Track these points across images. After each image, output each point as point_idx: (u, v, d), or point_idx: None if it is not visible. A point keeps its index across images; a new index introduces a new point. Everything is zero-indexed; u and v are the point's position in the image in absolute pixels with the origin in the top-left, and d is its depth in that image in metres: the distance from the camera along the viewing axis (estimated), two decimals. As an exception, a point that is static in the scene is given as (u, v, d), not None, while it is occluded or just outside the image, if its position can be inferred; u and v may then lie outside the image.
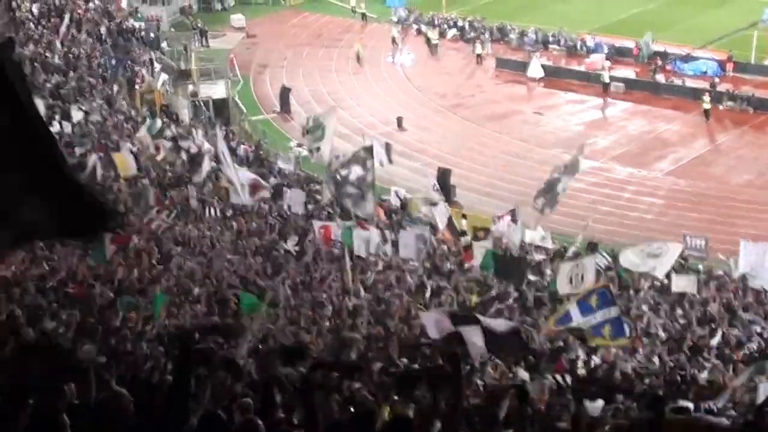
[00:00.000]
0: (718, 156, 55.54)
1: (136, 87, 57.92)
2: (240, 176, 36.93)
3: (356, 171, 38.27)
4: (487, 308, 26.91)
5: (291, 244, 33.22)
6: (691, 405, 17.52)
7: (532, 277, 32.60)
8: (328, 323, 23.53)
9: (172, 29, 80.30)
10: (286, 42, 78.90)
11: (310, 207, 40.45)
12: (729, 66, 66.49)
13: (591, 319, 22.10)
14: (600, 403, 16.96)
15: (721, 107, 60.94)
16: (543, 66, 68.75)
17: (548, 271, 34.12)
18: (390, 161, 46.97)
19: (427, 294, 28.71)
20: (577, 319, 22.05)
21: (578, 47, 73.01)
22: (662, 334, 25.82)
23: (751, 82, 64.74)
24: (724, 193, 49.94)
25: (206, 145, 45.05)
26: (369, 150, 36.51)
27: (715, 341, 25.03)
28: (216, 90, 63.09)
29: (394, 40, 76.94)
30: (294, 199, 39.86)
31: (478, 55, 72.99)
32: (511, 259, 33.53)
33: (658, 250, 34.28)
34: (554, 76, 68.57)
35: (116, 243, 26.30)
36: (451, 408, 9.81)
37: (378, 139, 46.66)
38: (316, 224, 35.15)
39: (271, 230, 35.15)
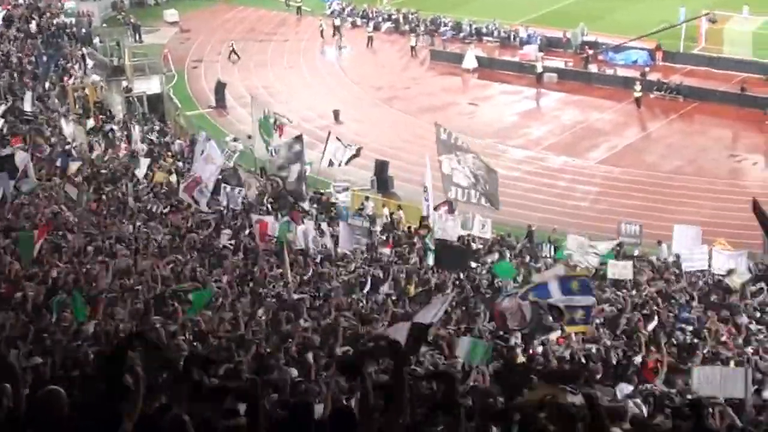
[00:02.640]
0: (650, 144, 56.21)
1: (69, 84, 57.48)
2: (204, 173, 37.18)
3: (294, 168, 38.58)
4: (427, 298, 27.13)
5: (225, 239, 33.15)
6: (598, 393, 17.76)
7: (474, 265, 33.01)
8: (266, 317, 23.54)
9: (104, 25, 79.66)
10: (220, 36, 78.61)
11: (246, 202, 40.39)
12: (659, 55, 67.25)
13: (569, 300, 22.51)
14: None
15: (651, 96, 61.65)
16: (477, 57, 69.11)
17: (488, 260, 34.44)
18: (346, 163, 47.24)
19: (367, 287, 28.80)
20: (557, 297, 22.40)
21: (512, 38, 73.45)
22: (599, 320, 26.12)
23: (680, 70, 65.55)
24: (656, 179, 50.55)
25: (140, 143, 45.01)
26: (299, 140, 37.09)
27: (651, 326, 25.35)
28: (150, 85, 62.71)
29: (322, 33, 77.01)
30: (234, 194, 39.79)
31: (413, 48, 73.19)
32: (451, 248, 33.77)
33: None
34: (488, 68, 69.00)
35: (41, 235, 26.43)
36: (394, 400, 9.91)
37: (341, 143, 46.87)
38: (254, 218, 35.14)
39: (207, 226, 35.05)
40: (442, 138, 41.46)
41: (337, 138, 47.35)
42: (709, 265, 34.19)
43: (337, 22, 78.91)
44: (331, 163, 47.01)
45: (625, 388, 18.04)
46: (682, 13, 69.13)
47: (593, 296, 23.58)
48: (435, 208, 41.44)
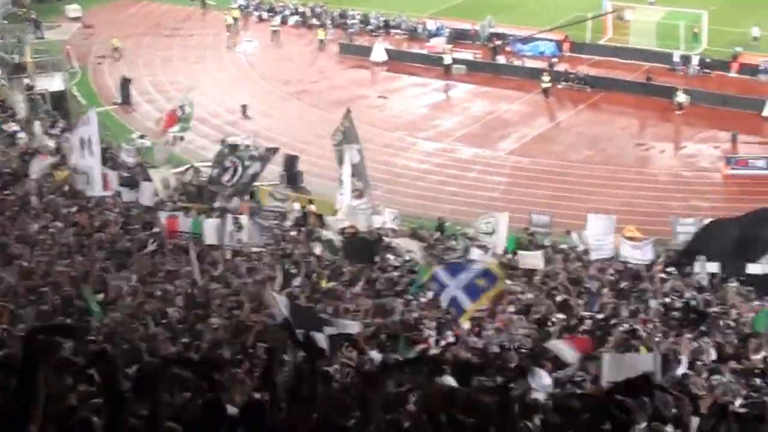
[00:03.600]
0: (559, 133, 56.74)
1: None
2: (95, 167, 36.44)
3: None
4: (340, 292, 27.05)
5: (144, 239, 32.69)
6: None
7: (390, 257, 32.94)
8: (177, 315, 23.21)
9: (5, 21, 78.10)
10: (125, 32, 77.46)
11: (156, 199, 39.87)
12: (566, 46, 67.94)
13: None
14: (449, 379, 17.10)
15: (559, 86, 62.22)
16: (386, 50, 69.15)
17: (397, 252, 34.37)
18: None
19: (278, 281, 28.56)
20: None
21: (420, 31, 73.59)
22: (511, 308, 26.22)
23: (587, 61, 66.31)
24: (565, 169, 51.05)
25: (45, 140, 44.17)
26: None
27: (562, 315, 25.49)
28: (53, 83, 61.49)
29: (229, 28, 76.52)
30: (143, 191, 39.25)
31: (321, 41, 72.97)
32: (359, 241, 33.66)
33: (488, 226, 35.10)
34: (397, 60, 69.07)
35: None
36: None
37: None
38: (162, 216, 34.66)
39: (115, 224, 34.50)
40: (346, 126, 41.27)
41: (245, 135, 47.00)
42: (617, 254, 34.54)
43: (235, 14, 78.29)
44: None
45: (538, 376, 18.06)
46: (605, 4, 69.69)
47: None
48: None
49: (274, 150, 41.36)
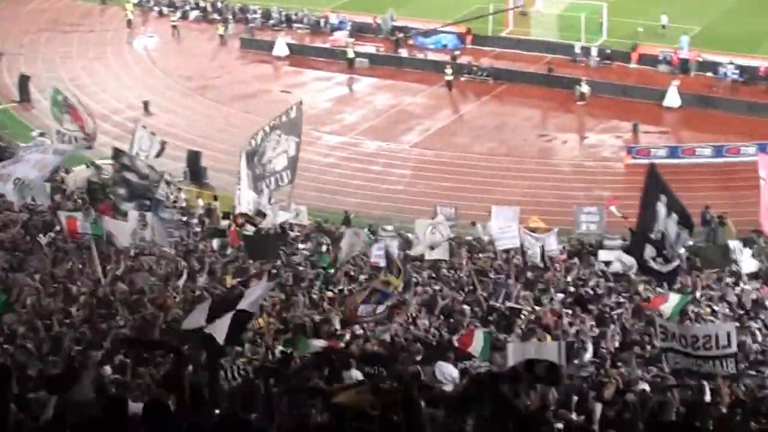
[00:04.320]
0: (462, 126, 57.05)
1: None
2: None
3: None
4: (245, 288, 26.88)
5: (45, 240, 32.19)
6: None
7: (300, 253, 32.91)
8: (80, 314, 22.92)
9: None
10: (22, 28, 76.11)
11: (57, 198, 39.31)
12: (468, 39, 68.21)
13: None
14: (356, 373, 17.09)
15: (462, 79, 62.53)
16: (288, 44, 68.88)
17: (302, 246, 34.36)
18: (157, 155, 46.29)
19: (183, 279, 28.33)
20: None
21: (322, 25, 73.39)
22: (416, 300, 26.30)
23: (489, 53, 66.66)
24: (469, 161, 51.39)
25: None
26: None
27: (465, 307, 25.62)
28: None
29: (129, 23, 75.67)
30: (37, 191, 38.52)
31: (221, 36, 72.46)
32: (261, 238, 33.51)
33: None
34: (300, 55, 68.80)
35: None
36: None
37: (151, 134, 45.86)
38: (62, 215, 34.14)
39: (15, 224, 33.94)
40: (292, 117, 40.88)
41: (143, 126, 46.35)
42: (521, 244, 34.80)
43: (129, 7, 77.29)
44: (137, 155, 46.08)
45: (444, 368, 18.11)
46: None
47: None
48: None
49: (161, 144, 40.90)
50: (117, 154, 36.62)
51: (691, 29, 65.74)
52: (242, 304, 17.69)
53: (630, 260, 30.37)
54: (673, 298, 25.04)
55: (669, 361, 17.36)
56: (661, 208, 24.39)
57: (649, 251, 27.31)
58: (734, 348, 17.35)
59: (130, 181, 37.00)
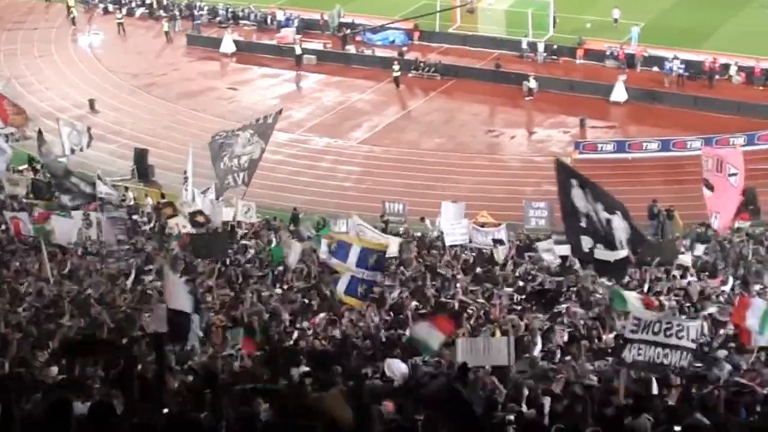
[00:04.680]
0: (410, 122, 57.10)
1: None
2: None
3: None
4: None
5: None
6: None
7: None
8: (27, 314, 22.77)
9: None
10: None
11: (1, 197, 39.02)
12: (416, 35, 68.29)
13: (358, 272, 22.88)
14: (303, 369, 17.09)
15: (410, 75, 62.58)
16: (235, 41, 68.65)
17: (251, 243, 34.25)
18: (88, 146, 45.96)
19: (131, 278, 28.19)
20: (350, 261, 23.29)
21: (269, 21, 73.16)
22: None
23: (437, 49, 66.75)
24: (417, 157, 51.48)
25: None
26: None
27: (414, 303, 25.65)
28: None
29: (74, 21, 75.05)
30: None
31: (167, 33, 72.07)
32: (209, 236, 33.37)
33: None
34: (247, 51, 68.59)
35: None
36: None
37: (74, 124, 45.48)
38: (7, 215, 33.93)
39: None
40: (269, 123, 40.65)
41: (68, 121, 46.06)
42: (470, 240, 34.90)
43: (71, 2, 76.55)
44: (72, 151, 45.80)
45: (393, 364, 18.12)
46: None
47: (382, 273, 24.22)
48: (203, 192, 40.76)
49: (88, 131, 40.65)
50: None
51: (625, 25, 66.30)
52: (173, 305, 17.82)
53: (561, 250, 30.65)
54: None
55: (632, 352, 17.37)
56: (578, 196, 24.55)
57: (587, 242, 27.62)
58: (696, 346, 17.52)
59: (65, 185, 36.94)
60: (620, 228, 25.94)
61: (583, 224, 25.12)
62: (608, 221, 24.81)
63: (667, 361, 16.94)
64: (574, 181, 24.71)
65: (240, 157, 38.33)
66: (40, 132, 44.17)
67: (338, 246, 24.86)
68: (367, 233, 32.41)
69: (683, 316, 22.39)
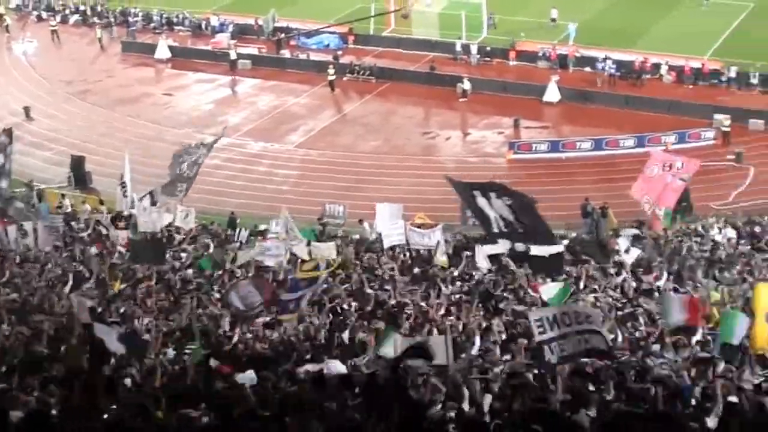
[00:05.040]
0: (346, 125, 57.34)
1: None
2: None
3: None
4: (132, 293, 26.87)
5: None
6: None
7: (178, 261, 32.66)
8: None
9: None
10: None
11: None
12: (350, 39, 68.53)
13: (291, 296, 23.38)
14: (250, 373, 17.19)
15: (345, 78, 62.79)
16: (170, 47, 68.44)
17: (190, 249, 34.21)
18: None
19: (68, 285, 28.06)
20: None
21: (203, 27, 73.00)
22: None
23: (371, 52, 67.03)
24: (354, 160, 51.72)
25: None
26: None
27: (354, 304, 25.81)
28: None
29: (8, 29, 74.39)
30: None
31: (99, 40, 71.68)
32: (147, 242, 33.31)
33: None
34: (182, 57, 68.43)
35: None
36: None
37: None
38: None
39: None
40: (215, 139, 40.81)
41: None
42: (407, 241, 35.11)
43: (2, 10, 75.89)
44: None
45: (333, 366, 18.28)
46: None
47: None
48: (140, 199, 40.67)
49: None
50: None
51: (557, 28, 67.10)
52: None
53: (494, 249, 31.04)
54: (551, 287, 25.43)
55: (554, 352, 17.62)
56: (484, 205, 25.00)
57: (504, 244, 28.25)
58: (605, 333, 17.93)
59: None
60: (532, 218, 26.51)
61: (497, 229, 25.59)
62: (517, 219, 25.26)
63: (589, 345, 17.30)
64: (476, 192, 25.13)
65: (187, 171, 38.62)
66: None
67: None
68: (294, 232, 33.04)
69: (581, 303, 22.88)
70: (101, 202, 44.30)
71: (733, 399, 14.88)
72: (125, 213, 38.78)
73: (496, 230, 26.45)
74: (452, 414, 13.87)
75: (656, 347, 20.25)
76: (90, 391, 12.20)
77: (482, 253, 31.32)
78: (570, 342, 17.22)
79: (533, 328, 17.69)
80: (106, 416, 11.17)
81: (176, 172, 38.96)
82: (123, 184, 39.91)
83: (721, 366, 17.54)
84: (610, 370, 17.21)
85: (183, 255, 33.39)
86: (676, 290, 26.53)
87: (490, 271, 30.40)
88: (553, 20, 68.07)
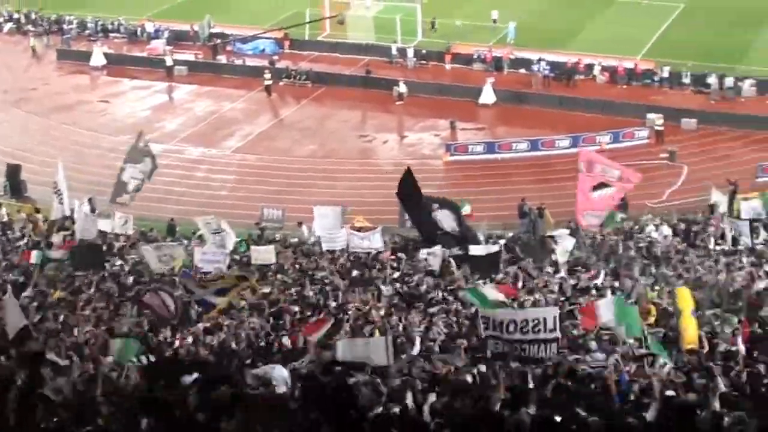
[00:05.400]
0: (282, 130, 57.45)
1: None
2: None
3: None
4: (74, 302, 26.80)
5: None
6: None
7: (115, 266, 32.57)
8: None
9: None
10: None
11: None
12: (286, 44, 68.58)
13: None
14: (190, 378, 17.20)
15: (281, 83, 62.87)
16: (105, 54, 68.06)
17: (132, 257, 34.09)
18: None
19: (7, 295, 27.86)
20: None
21: (139, 34, 72.65)
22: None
23: (307, 57, 67.15)
24: (291, 164, 51.87)
25: None
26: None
27: (296, 307, 25.92)
28: None
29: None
30: None
31: (33, 48, 71.14)
32: (86, 248, 33.22)
33: (210, 226, 35.54)
34: (117, 64, 68.04)
35: None
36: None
37: None
38: None
39: None
40: (139, 146, 40.45)
41: None
42: (347, 245, 35.31)
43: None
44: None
45: (275, 370, 18.33)
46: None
47: None
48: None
49: None
50: None
51: (498, 28, 67.66)
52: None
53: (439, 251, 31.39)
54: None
55: (490, 346, 17.94)
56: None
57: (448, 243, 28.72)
58: (558, 333, 18.16)
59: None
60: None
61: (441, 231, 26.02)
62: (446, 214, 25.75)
63: (526, 354, 17.61)
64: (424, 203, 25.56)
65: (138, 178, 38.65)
66: None
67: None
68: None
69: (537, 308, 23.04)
70: (37, 211, 43.94)
71: (670, 393, 15.22)
72: (60, 219, 38.69)
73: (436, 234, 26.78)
74: (394, 414, 13.95)
75: (594, 344, 20.60)
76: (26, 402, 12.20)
77: (426, 255, 31.75)
78: (508, 347, 17.56)
79: (479, 322, 17.99)
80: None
81: (122, 179, 38.86)
82: (58, 192, 39.67)
83: (660, 362, 17.93)
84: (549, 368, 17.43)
85: (120, 262, 33.34)
86: (617, 291, 27.00)
87: (429, 273, 30.68)
88: (495, 21, 68.64)
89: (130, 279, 30.63)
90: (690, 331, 19.67)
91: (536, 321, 17.66)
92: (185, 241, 37.46)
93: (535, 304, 25.08)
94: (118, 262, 33.38)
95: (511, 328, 17.66)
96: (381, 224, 37.86)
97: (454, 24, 68.01)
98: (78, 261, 31.30)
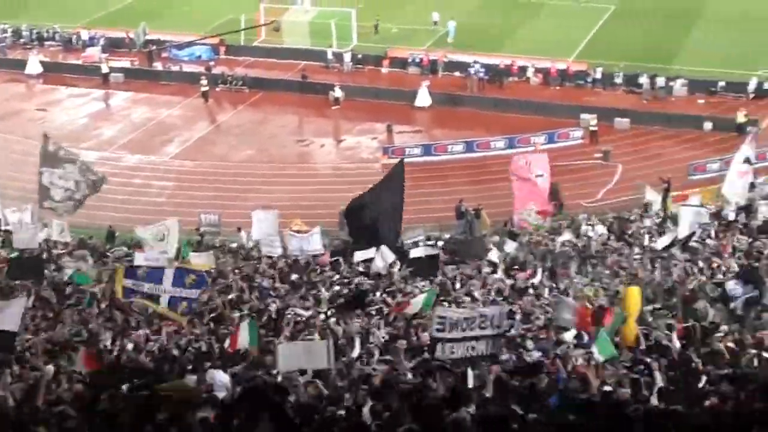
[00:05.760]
0: (220, 135, 57.58)
1: None
2: None
3: None
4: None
5: None
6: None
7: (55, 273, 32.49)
8: None
9: None
10: None
11: None
12: (222, 49, 68.56)
13: (175, 291, 23.36)
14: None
15: (218, 89, 62.93)
16: (41, 62, 67.64)
17: (70, 265, 33.94)
18: None
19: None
20: (165, 286, 23.81)
21: (74, 41, 72.20)
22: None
23: (243, 63, 67.19)
24: (229, 169, 52.03)
25: None
26: None
27: (237, 313, 26.03)
28: None
29: None
30: None
31: (-38, 58, 70.68)
32: (25, 258, 33.09)
33: (160, 233, 35.44)
34: (53, 72, 67.64)
35: None
36: None
37: None
38: None
39: None
40: (49, 150, 40.09)
41: None
42: (285, 248, 35.52)
43: None
44: None
45: (216, 375, 18.50)
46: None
47: (204, 288, 24.74)
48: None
49: None
50: None
51: (438, 30, 68.14)
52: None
53: (389, 255, 31.67)
54: (418, 299, 25.82)
55: (445, 351, 18.02)
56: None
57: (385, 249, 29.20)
58: (504, 328, 18.54)
59: None
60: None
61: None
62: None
63: (475, 352, 17.89)
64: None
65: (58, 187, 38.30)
66: None
67: (149, 271, 25.05)
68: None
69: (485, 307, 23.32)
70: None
71: (608, 388, 15.61)
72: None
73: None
74: (334, 416, 14.12)
75: (530, 343, 21.00)
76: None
77: (368, 256, 32.07)
78: (459, 347, 17.82)
79: (434, 322, 18.21)
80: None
81: (43, 183, 38.54)
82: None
83: (597, 358, 18.32)
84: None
85: (59, 271, 33.23)
86: (554, 290, 27.46)
87: (365, 274, 30.95)
88: (435, 23, 69.12)
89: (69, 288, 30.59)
90: (631, 333, 20.04)
91: (483, 318, 17.97)
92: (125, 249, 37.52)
93: (474, 303, 25.40)
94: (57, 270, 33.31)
95: (463, 325, 17.89)
96: (319, 227, 38.00)
97: (391, 30, 68.33)
98: (16, 272, 31.15)
